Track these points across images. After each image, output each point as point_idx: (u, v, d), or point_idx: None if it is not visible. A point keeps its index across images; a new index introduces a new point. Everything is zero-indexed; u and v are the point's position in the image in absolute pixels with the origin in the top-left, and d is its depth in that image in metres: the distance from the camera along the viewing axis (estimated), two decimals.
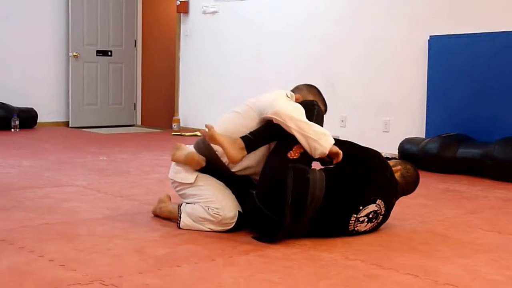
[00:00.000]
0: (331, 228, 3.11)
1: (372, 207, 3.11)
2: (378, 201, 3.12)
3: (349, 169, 3.10)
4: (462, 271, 2.70)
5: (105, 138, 7.98)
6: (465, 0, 6.06)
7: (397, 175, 3.24)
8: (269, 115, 3.07)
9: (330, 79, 7.09)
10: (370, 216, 3.13)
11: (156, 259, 2.74)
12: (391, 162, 3.29)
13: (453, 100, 6.01)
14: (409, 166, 3.34)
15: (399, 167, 3.26)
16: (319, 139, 3.02)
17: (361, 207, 3.08)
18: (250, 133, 3.12)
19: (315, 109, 3.16)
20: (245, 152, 3.08)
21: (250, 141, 3.09)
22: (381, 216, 3.19)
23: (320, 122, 3.18)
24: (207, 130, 3.10)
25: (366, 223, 3.15)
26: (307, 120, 3.06)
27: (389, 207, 3.22)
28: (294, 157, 3.02)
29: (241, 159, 3.09)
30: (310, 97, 3.33)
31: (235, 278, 2.51)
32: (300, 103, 3.20)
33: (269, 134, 3.11)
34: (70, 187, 4.40)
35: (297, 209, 2.95)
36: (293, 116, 3.03)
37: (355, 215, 3.09)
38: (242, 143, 3.07)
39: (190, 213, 3.22)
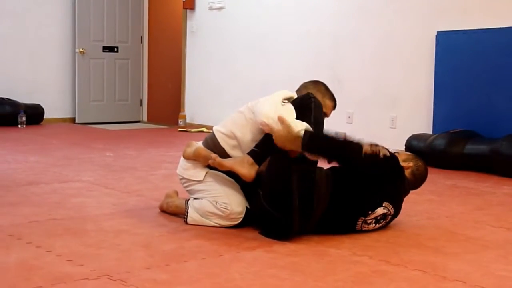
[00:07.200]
0: (338, 228, 3.11)
1: (380, 211, 3.10)
2: (385, 204, 3.10)
3: (358, 173, 3.07)
4: (471, 267, 2.69)
5: (112, 134, 7.99)
6: None
7: (407, 172, 3.21)
8: (259, 125, 3.09)
9: (337, 75, 7.07)
10: (378, 218, 3.12)
11: (163, 254, 2.74)
12: (403, 156, 3.27)
13: (460, 96, 5.98)
14: (420, 163, 3.30)
15: (411, 163, 3.23)
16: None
17: (370, 212, 3.08)
18: (256, 146, 3.13)
19: (311, 101, 3.14)
20: (256, 167, 3.08)
21: (257, 154, 3.10)
22: (389, 216, 3.18)
23: (319, 112, 3.15)
24: (213, 161, 3.12)
25: (374, 224, 3.14)
26: (291, 120, 3.01)
27: (397, 207, 3.21)
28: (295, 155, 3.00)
29: (255, 174, 3.08)
30: (317, 94, 3.31)
31: (243, 274, 2.50)
32: (296, 98, 3.19)
33: (272, 141, 3.08)
34: (77, 183, 4.41)
35: (304, 212, 2.95)
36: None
37: (363, 218, 3.09)
38: (250, 159, 3.08)
39: (198, 208, 3.22)
